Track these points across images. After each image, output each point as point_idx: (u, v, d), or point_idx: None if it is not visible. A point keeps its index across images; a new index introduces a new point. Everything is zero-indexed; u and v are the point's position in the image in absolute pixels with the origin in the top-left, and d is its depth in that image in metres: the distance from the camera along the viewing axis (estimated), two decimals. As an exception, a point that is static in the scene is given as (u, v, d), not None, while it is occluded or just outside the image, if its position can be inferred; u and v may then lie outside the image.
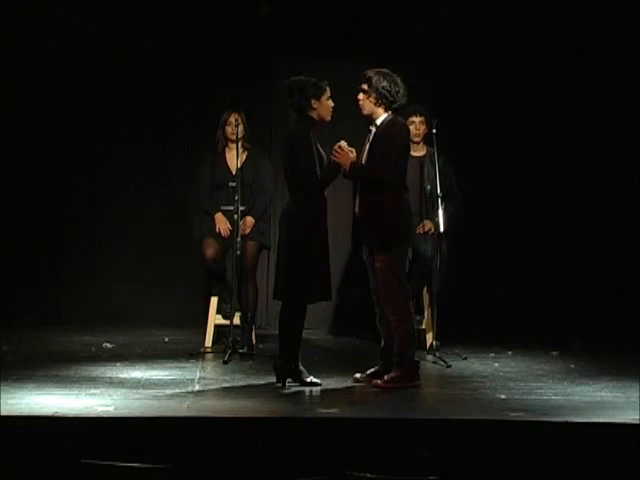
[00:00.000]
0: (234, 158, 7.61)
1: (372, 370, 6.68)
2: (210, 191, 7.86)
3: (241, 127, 7.72)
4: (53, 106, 8.76)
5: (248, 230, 7.69)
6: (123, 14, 8.65)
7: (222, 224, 7.77)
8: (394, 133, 6.54)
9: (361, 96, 6.57)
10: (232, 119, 7.77)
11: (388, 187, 6.51)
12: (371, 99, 6.54)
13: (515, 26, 8.71)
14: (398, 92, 6.53)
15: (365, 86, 6.55)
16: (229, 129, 7.80)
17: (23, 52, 8.61)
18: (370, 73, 6.56)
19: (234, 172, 7.62)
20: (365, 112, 6.59)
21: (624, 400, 6.22)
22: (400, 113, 6.67)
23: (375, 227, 6.55)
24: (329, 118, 6.56)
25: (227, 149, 7.88)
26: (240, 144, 7.66)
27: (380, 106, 6.55)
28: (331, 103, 6.53)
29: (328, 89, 6.52)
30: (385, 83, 6.51)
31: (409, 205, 6.68)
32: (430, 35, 8.70)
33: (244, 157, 7.79)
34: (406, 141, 6.69)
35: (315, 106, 6.50)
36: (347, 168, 6.52)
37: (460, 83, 8.75)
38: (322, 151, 6.55)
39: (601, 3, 8.67)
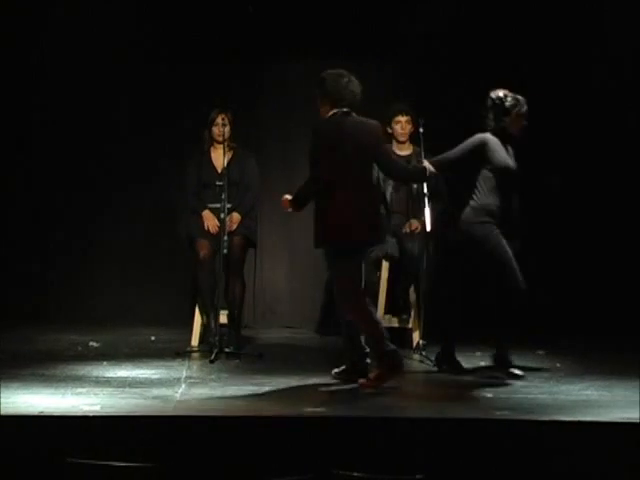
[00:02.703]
0: (220, 158, 7.60)
1: (342, 368, 6.64)
2: (197, 190, 7.83)
3: (227, 127, 7.71)
4: (41, 103, 8.73)
5: (234, 226, 7.68)
6: (111, 15, 8.62)
7: (210, 220, 7.73)
8: (312, 135, 6.41)
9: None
10: (219, 119, 7.75)
11: (325, 189, 6.34)
12: (319, 101, 6.46)
13: (504, 25, 8.70)
14: (339, 91, 6.37)
15: (316, 90, 6.50)
16: (216, 129, 7.78)
17: (12, 53, 8.58)
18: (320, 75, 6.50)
19: (220, 171, 7.60)
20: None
21: (610, 399, 6.22)
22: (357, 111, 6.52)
23: (315, 231, 6.46)
24: None
25: (213, 148, 7.86)
26: (226, 144, 7.64)
27: (324, 106, 6.44)
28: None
29: None
30: (326, 83, 6.40)
31: (351, 206, 6.33)
32: (418, 34, 8.69)
33: (230, 156, 7.75)
34: (324, 139, 6.38)
35: None
36: None
37: (447, 82, 8.74)
38: None
39: (595, 5, 8.66)
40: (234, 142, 7.85)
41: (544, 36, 8.72)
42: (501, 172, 6.82)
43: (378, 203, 6.97)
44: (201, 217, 7.77)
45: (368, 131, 6.45)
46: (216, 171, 7.71)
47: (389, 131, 7.85)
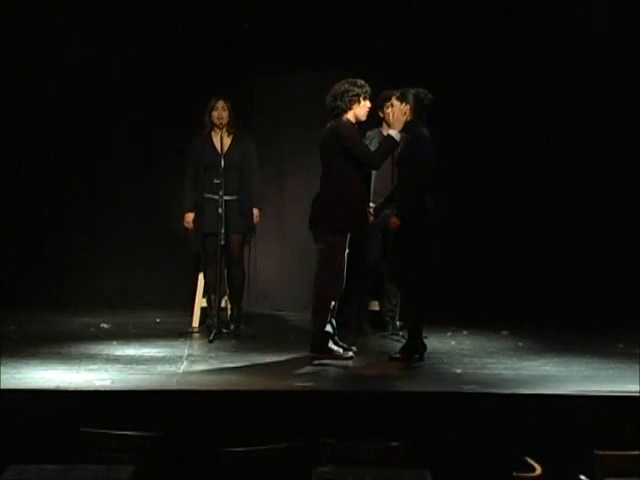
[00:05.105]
0: (220, 142, 7.41)
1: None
2: (197, 176, 7.54)
3: (227, 113, 7.52)
4: (46, 93, 8.60)
5: (258, 220, 7.62)
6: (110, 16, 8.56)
7: (187, 223, 7.60)
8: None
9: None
10: (219, 104, 7.54)
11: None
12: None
13: (477, 27, 8.55)
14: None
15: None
16: (216, 114, 7.51)
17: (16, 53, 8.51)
18: None
19: (221, 154, 7.35)
20: None
21: (566, 374, 6.30)
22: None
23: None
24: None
25: (213, 133, 7.56)
26: (225, 129, 7.49)
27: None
28: None
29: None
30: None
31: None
32: (396, 40, 8.59)
33: (229, 141, 7.53)
34: None
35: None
36: None
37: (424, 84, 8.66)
38: None
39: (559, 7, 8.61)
40: (233, 128, 7.60)
41: (511, 40, 8.63)
42: None
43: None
44: (190, 214, 7.56)
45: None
46: (218, 153, 7.42)
47: (381, 115, 7.62)
